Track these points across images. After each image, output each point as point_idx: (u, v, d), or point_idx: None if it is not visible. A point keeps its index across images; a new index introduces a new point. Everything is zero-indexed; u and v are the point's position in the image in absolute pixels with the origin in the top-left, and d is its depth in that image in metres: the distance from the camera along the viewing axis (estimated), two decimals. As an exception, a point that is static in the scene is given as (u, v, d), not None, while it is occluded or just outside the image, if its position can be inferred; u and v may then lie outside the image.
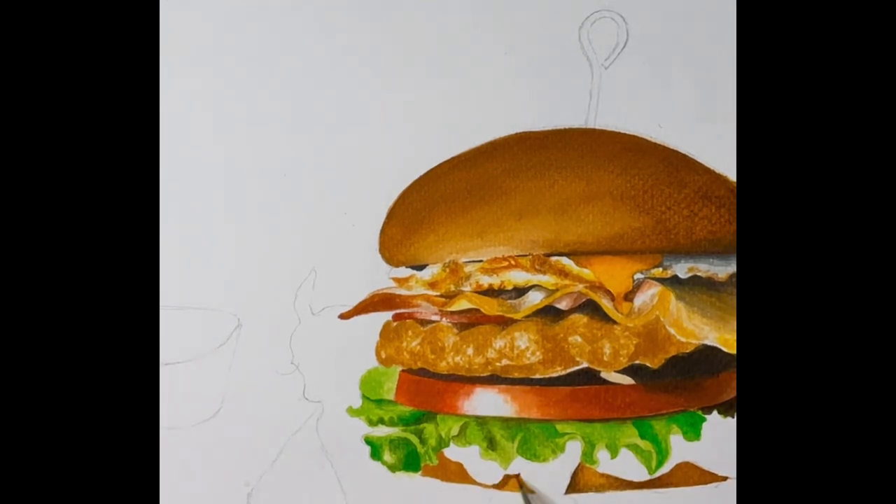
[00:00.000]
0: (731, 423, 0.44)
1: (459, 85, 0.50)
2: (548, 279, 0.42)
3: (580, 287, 0.42)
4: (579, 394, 0.43)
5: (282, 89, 0.50)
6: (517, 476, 0.45)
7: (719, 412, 0.43)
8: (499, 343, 0.42)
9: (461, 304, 0.43)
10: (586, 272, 0.42)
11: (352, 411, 0.47)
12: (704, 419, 0.43)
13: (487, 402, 0.43)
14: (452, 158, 0.45)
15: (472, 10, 0.49)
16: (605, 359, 0.41)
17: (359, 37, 0.49)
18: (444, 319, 0.44)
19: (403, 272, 0.45)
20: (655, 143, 0.45)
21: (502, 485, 0.44)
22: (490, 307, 0.42)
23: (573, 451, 0.43)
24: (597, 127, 0.47)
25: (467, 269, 0.43)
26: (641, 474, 0.42)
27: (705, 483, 0.43)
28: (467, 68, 0.50)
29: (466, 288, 0.43)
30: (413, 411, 0.46)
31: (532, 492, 0.45)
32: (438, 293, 0.44)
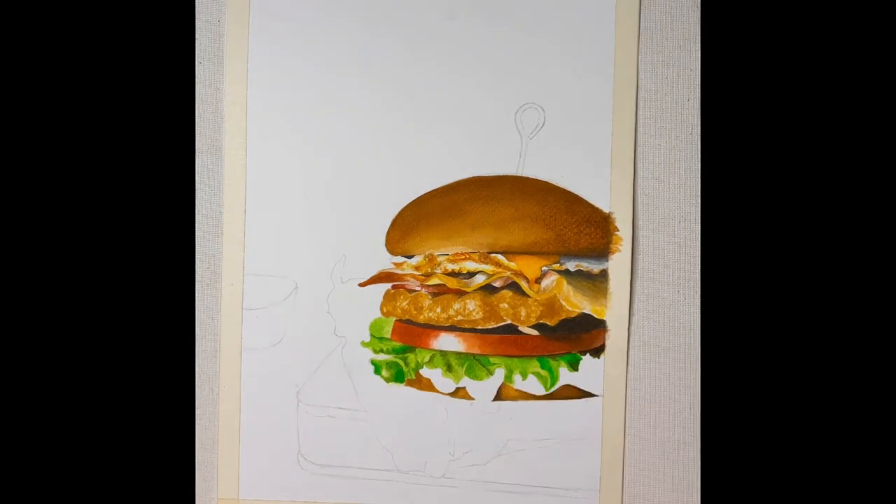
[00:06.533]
0: (597, 361, 0.49)
1: (438, 144, 0.49)
2: (489, 268, 0.47)
3: (508, 273, 0.48)
4: (505, 339, 0.48)
5: (339, 144, 0.49)
6: None
7: (591, 355, 0.49)
8: (456, 306, 0.48)
9: (434, 281, 0.48)
10: (513, 265, 0.47)
11: (363, 344, 0.49)
12: (581, 358, 0.49)
13: (447, 342, 0.48)
14: (432, 190, 0.49)
15: (445, 106, 0.49)
16: (521, 318, 0.47)
17: (379, 104, 0.49)
18: (423, 289, 0.48)
19: (399, 260, 0.49)
20: (559, 187, 0.49)
21: (454, 393, 0.49)
22: (452, 283, 0.48)
23: (499, 374, 0.48)
24: (523, 175, 0.49)
25: (439, 259, 0.48)
26: (540, 391, 0.49)
27: (580, 398, 0.49)
28: (446, 134, 0.49)
29: (438, 270, 0.48)
30: (402, 345, 0.49)
31: None
32: (420, 273, 0.48)
